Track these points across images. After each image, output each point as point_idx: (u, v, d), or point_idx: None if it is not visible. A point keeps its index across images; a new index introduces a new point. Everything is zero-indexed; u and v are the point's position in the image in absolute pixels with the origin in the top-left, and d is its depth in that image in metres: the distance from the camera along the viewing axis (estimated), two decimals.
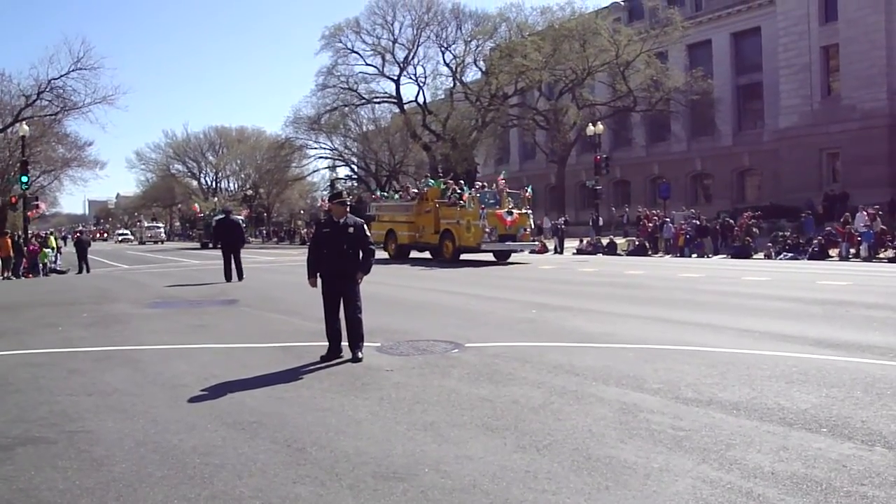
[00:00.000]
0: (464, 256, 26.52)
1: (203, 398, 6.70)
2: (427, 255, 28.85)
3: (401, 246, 29.30)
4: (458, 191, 27.61)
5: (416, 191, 30.34)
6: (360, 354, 8.26)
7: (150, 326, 11.69)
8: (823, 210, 36.63)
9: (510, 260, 26.98)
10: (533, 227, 28.74)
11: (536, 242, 29.69)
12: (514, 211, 26.08)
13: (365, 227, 8.69)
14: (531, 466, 4.66)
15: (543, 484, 4.36)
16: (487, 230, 25.08)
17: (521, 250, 27.81)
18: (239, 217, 25.12)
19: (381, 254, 31.73)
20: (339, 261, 8.43)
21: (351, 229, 8.50)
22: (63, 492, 4.48)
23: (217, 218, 26.68)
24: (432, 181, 30.75)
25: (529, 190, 28.55)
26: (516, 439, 5.22)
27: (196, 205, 63.94)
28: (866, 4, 39.68)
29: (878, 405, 5.88)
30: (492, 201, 26.28)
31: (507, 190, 27.77)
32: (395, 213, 30.09)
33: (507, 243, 25.92)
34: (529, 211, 27.58)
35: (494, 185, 28.24)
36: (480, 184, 30.38)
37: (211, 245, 44.60)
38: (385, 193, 34.09)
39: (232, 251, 20.27)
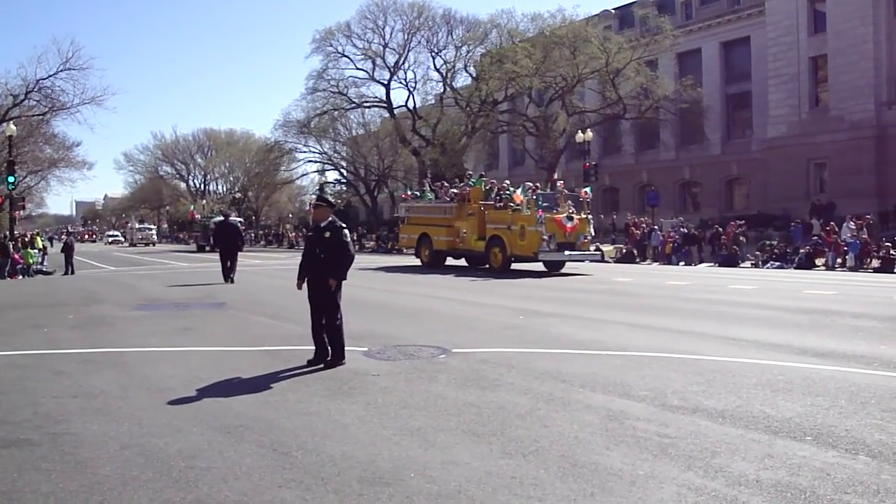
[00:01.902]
0: (514, 266, 23.95)
1: (189, 401, 6.67)
2: (463, 262, 26.51)
3: (436, 252, 26.44)
4: (507, 191, 24.80)
5: (455, 190, 27.00)
6: (338, 364, 8.16)
7: (136, 329, 11.63)
8: (810, 219, 36.82)
9: (563, 271, 23.92)
10: (593, 233, 25.52)
11: (598, 252, 26.41)
12: (573, 215, 23.26)
13: (344, 231, 8.43)
14: (517, 472, 4.66)
15: (529, 490, 4.36)
16: (546, 237, 22.30)
17: (582, 260, 24.52)
18: (238, 220, 25.52)
19: (404, 259, 30.67)
20: (315, 266, 8.40)
21: (328, 234, 8.39)
22: (47, 494, 4.45)
23: (216, 220, 27.42)
24: (473, 181, 27.43)
25: (588, 191, 25.29)
26: (502, 445, 5.22)
27: (192, 208, 63.54)
28: (855, 16, 39.99)
29: (862, 414, 5.91)
30: (545, 204, 23.43)
31: (566, 191, 24.95)
32: (430, 216, 26.95)
33: (566, 252, 23.00)
34: (590, 215, 24.76)
35: (548, 186, 25.45)
36: (531, 183, 26.71)
37: (208, 248, 44.21)
38: (417, 192, 30.26)
39: (229, 253, 21.25)
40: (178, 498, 4.34)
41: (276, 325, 11.93)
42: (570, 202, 24.03)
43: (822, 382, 7.03)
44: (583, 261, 24.56)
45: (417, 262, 27.63)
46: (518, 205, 23.21)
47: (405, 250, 33.88)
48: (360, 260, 32.83)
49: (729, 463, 4.77)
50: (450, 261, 26.77)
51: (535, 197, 23.62)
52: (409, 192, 30.84)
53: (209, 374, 7.85)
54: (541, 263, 23.51)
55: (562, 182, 26.13)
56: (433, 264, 26.35)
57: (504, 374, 7.57)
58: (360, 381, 7.42)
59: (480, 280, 20.90)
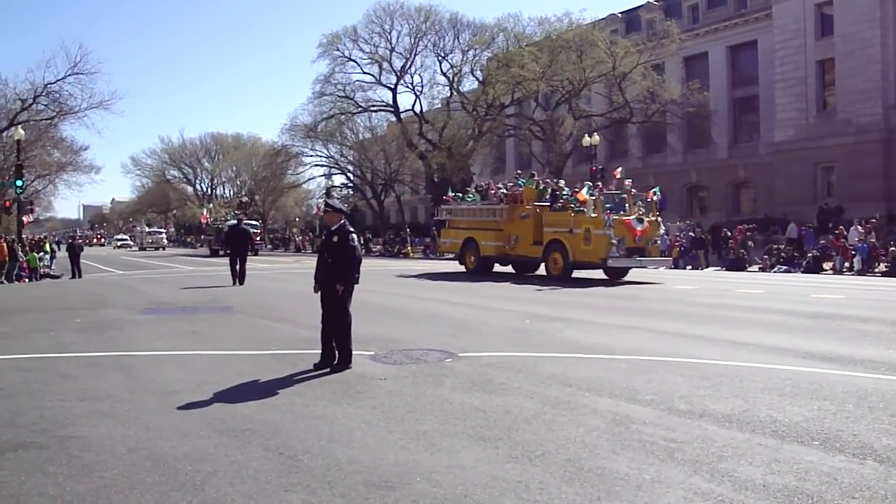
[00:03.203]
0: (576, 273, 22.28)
1: (195, 405, 6.68)
2: (510, 269, 24.80)
3: (485, 258, 24.59)
4: (564, 191, 23.27)
5: (504, 191, 24.96)
6: (345, 368, 8.17)
7: (143, 332, 11.66)
8: (818, 223, 36.74)
9: (626, 278, 22.27)
10: (661, 237, 23.62)
11: (669, 258, 24.83)
12: (643, 217, 21.45)
13: (351, 236, 8.42)
14: (523, 476, 4.65)
15: (535, 494, 4.36)
16: (615, 241, 20.48)
17: (654, 266, 23.03)
18: (254, 223, 25.86)
19: (446, 265, 29.77)
20: (324, 270, 8.45)
21: (335, 238, 8.43)
22: (54, 497, 4.46)
23: (229, 224, 28.30)
24: (523, 180, 25.23)
25: (657, 191, 22.95)
26: (509, 449, 5.21)
27: (205, 211, 63.53)
28: (862, 19, 39.87)
29: (869, 419, 5.89)
30: (608, 205, 21.56)
31: (634, 191, 23.00)
32: (477, 219, 25.10)
33: (635, 258, 21.20)
34: (659, 218, 22.82)
35: (611, 184, 23.08)
36: (594, 183, 24.50)
37: (222, 252, 44.07)
38: (460, 195, 28.24)
39: (239, 256, 21.62)
40: (185, 501, 4.35)
41: (283, 328, 11.94)
42: (639, 203, 22.30)
43: (830, 387, 7.00)
44: (655, 267, 22.86)
45: (447, 265, 27.07)
46: (582, 206, 21.38)
47: (445, 255, 32.49)
48: (382, 265, 32.93)
49: (736, 467, 4.75)
50: (496, 267, 25.16)
51: (602, 198, 21.65)
52: (451, 194, 28.60)
53: (216, 377, 7.87)
54: (600, 271, 22.06)
55: (629, 181, 23.20)
56: (480, 271, 24.50)
57: (510, 379, 7.56)
58: (366, 385, 7.43)
59: (559, 290, 18.61)
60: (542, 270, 23.51)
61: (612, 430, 5.66)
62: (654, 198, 22.35)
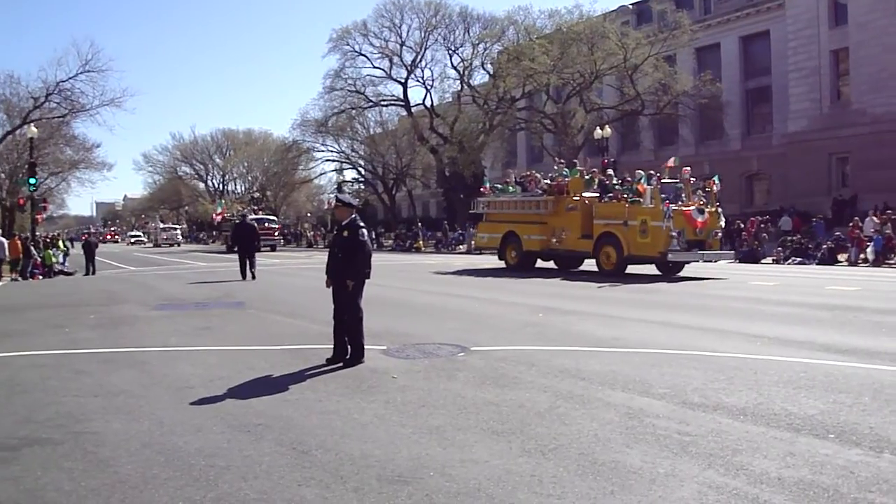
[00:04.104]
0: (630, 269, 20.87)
1: (209, 400, 6.70)
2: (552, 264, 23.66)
3: (527, 253, 23.35)
4: (614, 181, 22.26)
5: (547, 182, 23.67)
6: (357, 362, 8.17)
7: (156, 328, 11.72)
8: (833, 215, 36.53)
9: (681, 274, 20.91)
10: (723, 229, 22.11)
11: (731, 251, 23.41)
12: (704, 208, 20.23)
13: (360, 231, 8.37)
14: (536, 470, 4.64)
15: (549, 488, 4.34)
16: (674, 234, 19.24)
17: (715, 260, 21.35)
18: (271, 217, 26.05)
19: (485, 260, 29.11)
20: (334, 265, 8.46)
21: (346, 233, 8.43)
22: (69, 492, 4.48)
23: (238, 220, 28.61)
24: (567, 170, 23.92)
25: (717, 180, 21.39)
26: (522, 443, 5.20)
27: (220, 207, 63.64)
28: (877, 8, 39.48)
29: (886, 411, 5.84)
30: (663, 196, 20.11)
31: (693, 179, 21.56)
32: (518, 212, 23.84)
33: (695, 252, 19.91)
34: (720, 208, 21.31)
35: (664, 173, 21.49)
36: (650, 172, 22.16)
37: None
38: (498, 186, 26.93)
39: (247, 252, 21.97)
40: (199, 496, 4.36)
41: (295, 323, 11.97)
42: (700, 192, 20.99)
43: (845, 379, 6.95)
44: (716, 261, 21.49)
45: (466, 260, 26.38)
46: (637, 196, 20.16)
47: (483, 251, 30.15)
48: (402, 260, 32.89)
49: (750, 461, 4.72)
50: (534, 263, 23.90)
51: (659, 187, 20.21)
52: (487, 185, 27.30)
53: (228, 372, 7.89)
54: (652, 266, 20.84)
55: (687, 168, 21.75)
56: (521, 266, 23.25)
57: (523, 372, 7.55)
58: (378, 379, 7.43)
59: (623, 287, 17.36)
60: (586, 265, 22.62)
61: (626, 423, 5.64)
62: (714, 187, 20.96)
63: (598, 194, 21.83)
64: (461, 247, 44.65)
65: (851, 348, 8.61)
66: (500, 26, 53.73)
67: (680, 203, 20.23)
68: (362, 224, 8.54)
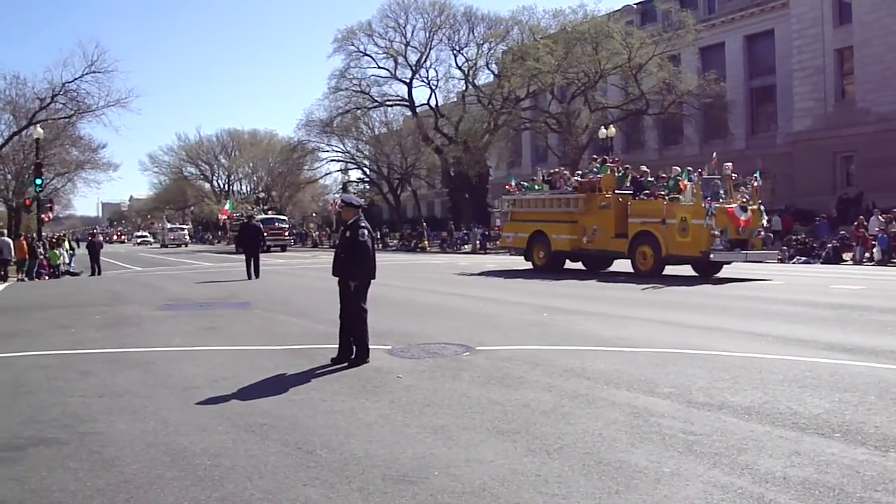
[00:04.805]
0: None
1: (214, 400, 6.71)
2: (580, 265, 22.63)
3: (556, 253, 22.38)
4: (649, 178, 21.36)
5: (578, 178, 22.95)
6: (362, 362, 8.16)
7: (161, 328, 11.74)
8: (837, 213, 36.43)
9: (720, 275, 19.98)
10: (766, 228, 21.06)
11: (775, 251, 22.32)
12: (747, 205, 19.32)
13: (360, 231, 8.31)
14: (541, 470, 4.64)
15: (553, 488, 4.34)
16: (717, 232, 18.36)
17: (758, 261, 20.38)
18: (281, 217, 26.90)
19: (491, 259, 28.62)
20: (337, 265, 8.48)
21: (348, 233, 8.45)
22: (74, 492, 4.49)
23: (260, 218, 30.57)
24: (598, 166, 23.12)
25: (757, 176, 20.57)
26: (527, 443, 5.20)
27: (229, 207, 63.59)
28: (881, 7, 39.37)
29: (892, 410, 5.82)
30: (705, 193, 19.24)
31: (735, 175, 20.53)
32: (547, 210, 22.86)
33: (738, 251, 18.98)
34: (762, 206, 20.41)
35: (704, 170, 20.53)
36: (688, 168, 20.89)
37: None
38: (525, 184, 25.83)
39: (252, 252, 22.50)
40: (204, 496, 4.37)
41: (300, 323, 11.98)
42: (742, 188, 20.01)
43: (851, 378, 6.93)
44: (760, 261, 20.49)
45: (473, 260, 26.10)
46: (677, 194, 19.33)
47: (511, 252, 28.31)
48: (413, 260, 32.92)
49: (756, 460, 4.71)
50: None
51: (700, 183, 19.31)
52: (513, 183, 26.01)
53: (233, 372, 7.90)
54: (688, 267, 20.00)
55: (729, 164, 20.70)
56: (549, 267, 22.30)
57: (528, 372, 7.54)
58: (383, 379, 7.43)
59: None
60: (616, 266, 21.90)
61: (631, 422, 5.63)
62: (755, 183, 20.13)
63: (631, 191, 20.97)
64: (466, 246, 44.66)
65: (857, 347, 8.58)
66: (504, 26, 53.70)
67: (721, 200, 19.29)
68: (363, 224, 8.49)
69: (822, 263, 26.65)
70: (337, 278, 8.51)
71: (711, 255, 18.48)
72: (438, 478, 4.55)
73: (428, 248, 47.58)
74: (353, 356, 8.23)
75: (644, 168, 22.63)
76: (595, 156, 26.82)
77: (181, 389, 7.19)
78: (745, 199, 19.59)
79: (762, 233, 19.73)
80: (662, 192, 19.94)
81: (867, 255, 26.77)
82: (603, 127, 42.03)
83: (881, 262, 25.72)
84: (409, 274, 23.19)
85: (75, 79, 44.34)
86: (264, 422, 5.90)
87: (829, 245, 28.11)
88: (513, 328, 10.92)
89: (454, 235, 48.13)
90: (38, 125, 39.63)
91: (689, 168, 20.53)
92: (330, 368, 8.00)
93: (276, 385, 7.29)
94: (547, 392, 6.67)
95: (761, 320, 11.06)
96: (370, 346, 8.39)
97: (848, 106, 41.89)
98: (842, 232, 29.68)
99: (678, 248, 18.98)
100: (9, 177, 51.49)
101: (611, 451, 4.96)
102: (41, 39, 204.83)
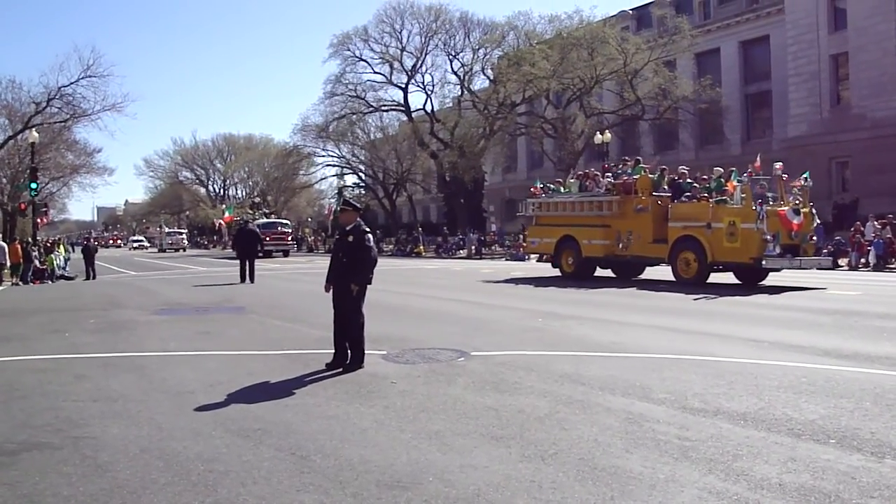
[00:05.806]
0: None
1: (208, 405, 6.68)
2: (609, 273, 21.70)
3: (587, 259, 21.19)
4: (689, 180, 20.18)
5: (610, 179, 21.43)
6: (357, 368, 8.14)
7: (156, 333, 11.70)
8: (833, 219, 36.48)
9: (766, 282, 18.79)
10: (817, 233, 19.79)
11: (829, 258, 21.28)
12: (800, 209, 18.06)
13: (367, 236, 8.40)
14: (536, 476, 4.62)
15: (548, 494, 4.32)
16: (769, 237, 17.16)
17: (810, 267, 19.30)
18: (284, 221, 27.10)
19: (486, 265, 28.71)
20: (337, 270, 8.44)
21: (350, 238, 8.42)
22: (67, 498, 4.46)
23: (261, 223, 30.68)
24: (631, 168, 21.93)
25: (807, 177, 19.13)
26: (521, 448, 5.18)
27: (229, 212, 63.47)
28: (876, 13, 39.53)
29: (887, 416, 5.82)
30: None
31: (786, 176, 18.92)
32: (577, 214, 21.57)
33: (789, 257, 17.73)
34: (814, 209, 19.22)
35: (750, 171, 19.02)
36: (731, 169, 20.09)
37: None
38: (551, 186, 24.38)
39: (247, 256, 22.84)
40: (197, 501, 4.34)
41: (295, 328, 11.96)
42: (795, 190, 18.61)
43: (847, 384, 6.93)
44: (811, 268, 19.47)
45: (465, 265, 26.01)
46: (722, 196, 18.43)
47: (537, 258, 26.79)
48: (411, 266, 32.89)
49: (751, 466, 4.70)
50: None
51: (749, 185, 18.04)
52: (538, 186, 24.66)
53: (228, 377, 7.87)
54: (730, 274, 18.98)
55: (780, 165, 19.16)
56: (579, 274, 21.09)
57: (523, 377, 7.53)
58: (378, 384, 7.41)
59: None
60: (649, 273, 21.17)
61: (626, 428, 5.62)
62: (806, 184, 18.83)
63: (669, 194, 19.83)
64: (461, 252, 44.66)
65: (853, 353, 8.58)
66: (500, 31, 53.80)
67: (771, 203, 18.05)
68: (368, 230, 8.54)
69: (817, 268, 26.61)
70: (329, 282, 8.50)
71: (763, 262, 17.36)
72: (433, 484, 4.53)
73: (423, 254, 47.56)
74: (348, 361, 8.21)
75: (682, 169, 21.53)
76: (626, 157, 25.53)
77: (175, 394, 7.16)
78: (797, 202, 18.35)
79: (814, 237, 18.74)
80: (704, 195, 19.06)
81: (863, 260, 26.81)
82: (598, 132, 42.12)
83: (877, 268, 25.77)
84: (406, 279, 23.18)
85: (71, 83, 44.39)
86: (258, 427, 5.88)
87: (825, 250, 28.10)
88: (507, 333, 10.91)
89: (449, 241, 48.12)
90: (34, 129, 39.52)
91: (733, 169, 19.74)
92: (325, 373, 7.97)
93: (271, 390, 7.27)
94: (542, 397, 6.66)
95: (757, 326, 11.06)
96: (365, 352, 8.37)
97: (843, 111, 42.03)
98: (837, 237, 29.71)
99: (725, 254, 17.85)
100: (4, 181, 51.35)
101: (606, 457, 4.94)
102: (37, 43, 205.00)
